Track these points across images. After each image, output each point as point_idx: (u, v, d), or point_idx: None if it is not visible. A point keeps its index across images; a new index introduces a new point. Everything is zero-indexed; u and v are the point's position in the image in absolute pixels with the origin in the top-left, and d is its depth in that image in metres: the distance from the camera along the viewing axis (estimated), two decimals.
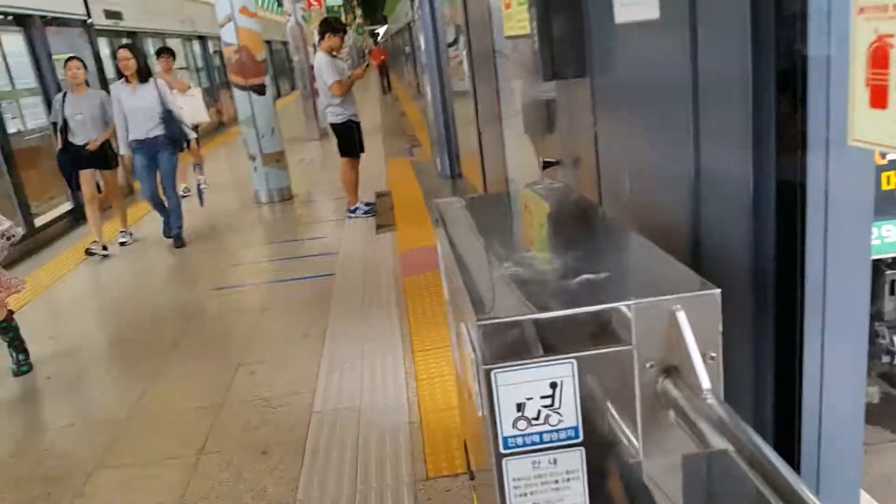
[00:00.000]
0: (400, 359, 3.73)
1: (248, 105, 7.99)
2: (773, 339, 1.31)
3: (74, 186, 6.51)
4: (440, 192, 7.72)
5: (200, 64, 18.20)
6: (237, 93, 8.04)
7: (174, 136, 6.44)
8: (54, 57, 8.42)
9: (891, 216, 2.60)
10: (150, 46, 14.09)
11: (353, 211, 6.97)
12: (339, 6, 24.66)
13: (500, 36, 3.95)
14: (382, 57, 27.26)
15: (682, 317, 1.03)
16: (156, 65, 9.23)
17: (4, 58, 8.01)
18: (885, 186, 2.48)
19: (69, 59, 6.46)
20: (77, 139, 6.36)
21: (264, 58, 8.18)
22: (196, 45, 17.96)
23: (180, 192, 8.47)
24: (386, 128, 14.42)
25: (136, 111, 6.27)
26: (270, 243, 6.54)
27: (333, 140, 7.07)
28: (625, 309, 1.06)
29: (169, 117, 6.37)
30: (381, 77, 26.75)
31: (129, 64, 6.27)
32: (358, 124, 6.91)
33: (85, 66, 6.50)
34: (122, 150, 6.38)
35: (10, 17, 7.84)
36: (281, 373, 3.76)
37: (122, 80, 6.34)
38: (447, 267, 1.54)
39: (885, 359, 3.23)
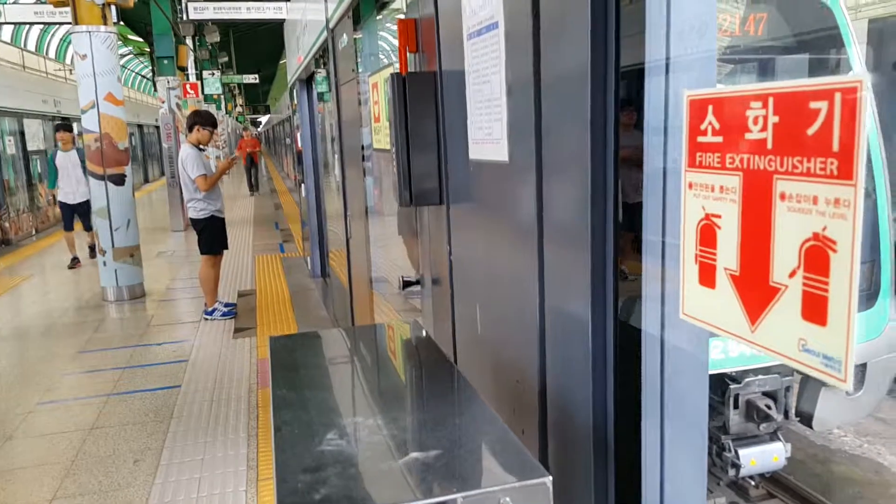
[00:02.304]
0: (241, 489, 3.34)
1: (103, 195, 7.48)
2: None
3: None
4: (308, 293, 7.44)
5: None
6: (93, 181, 7.52)
7: None
8: None
9: None
10: (5, 125, 13.17)
11: (211, 313, 6.52)
12: (219, 94, 24.33)
13: (368, 139, 3.88)
14: (250, 149, 21.14)
15: None
16: None
17: None
18: None
19: None
20: None
21: (127, 146, 7.75)
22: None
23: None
24: (258, 220, 14.02)
25: None
26: (112, 349, 5.92)
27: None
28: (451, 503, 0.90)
29: None
30: (248, 173, 20.91)
31: None
32: (222, 220, 6.59)
33: None
34: None
35: None
36: None
37: None
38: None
39: (731, 472, 3.30)
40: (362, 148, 3.91)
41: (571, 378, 1.28)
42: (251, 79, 25.34)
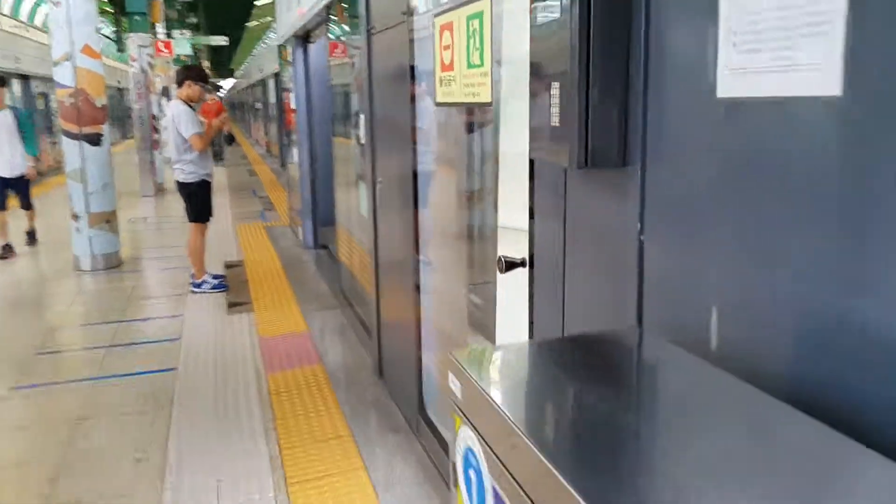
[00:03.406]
0: (269, 494, 2.85)
1: (78, 155, 6.77)
2: None
3: None
4: (303, 265, 6.90)
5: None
6: (66, 141, 6.81)
7: None
8: None
9: None
10: None
11: (199, 285, 5.93)
12: (188, 56, 23.20)
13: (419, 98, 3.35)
14: (215, 116, 17.64)
15: None
16: None
17: None
18: None
19: None
20: None
21: (105, 103, 7.04)
22: (16, 86, 16.08)
23: None
24: (233, 187, 13.29)
25: None
26: (92, 324, 5.31)
27: (170, 197, 6.08)
28: None
29: None
30: (217, 142, 18.53)
31: None
32: (210, 185, 6.00)
33: None
34: None
35: None
36: None
37: None
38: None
39: None
40: (411, 102, 3.36)
41: None
42: (221, 41, 24.19)
